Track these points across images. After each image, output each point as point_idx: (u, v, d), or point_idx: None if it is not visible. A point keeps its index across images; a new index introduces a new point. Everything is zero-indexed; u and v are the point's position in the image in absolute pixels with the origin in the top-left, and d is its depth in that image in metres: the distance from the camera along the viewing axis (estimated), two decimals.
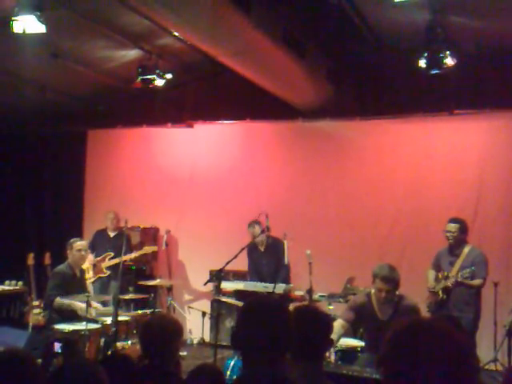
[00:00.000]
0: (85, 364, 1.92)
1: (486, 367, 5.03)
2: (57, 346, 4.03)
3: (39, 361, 3.82)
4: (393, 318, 3.61)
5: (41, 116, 7.20)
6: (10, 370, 1.82)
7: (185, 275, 6.78)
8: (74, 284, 4.78)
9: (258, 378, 1.74)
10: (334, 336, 3.53)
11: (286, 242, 5.38)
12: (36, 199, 7.34)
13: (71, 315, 4.61)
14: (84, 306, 4.44)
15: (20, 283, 5.82)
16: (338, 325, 3.71)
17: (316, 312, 2.46)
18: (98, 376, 1.81)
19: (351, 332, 4.38)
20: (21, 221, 7.26)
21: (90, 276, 5.99)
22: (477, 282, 4.65)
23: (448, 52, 4.63)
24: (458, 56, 4.68)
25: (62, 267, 4.84)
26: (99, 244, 6.40)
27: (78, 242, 4.89)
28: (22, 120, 7.23)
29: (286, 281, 5.42)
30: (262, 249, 5.70)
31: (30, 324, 5.13)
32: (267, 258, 5.66)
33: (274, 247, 5.55)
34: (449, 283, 4.65)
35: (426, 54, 4.66)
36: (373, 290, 3.68)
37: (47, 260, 5.97)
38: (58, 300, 4.61)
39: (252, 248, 5.60)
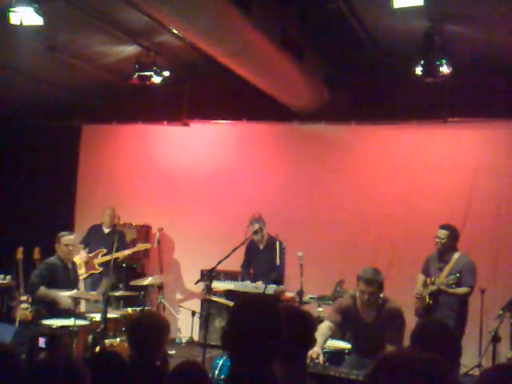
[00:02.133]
0: (66, 360, 1.91)
1: (470, 373, 5.09)
2: (41, 342, 3.98)
3: (23, 356, 3.79)
4: (376, 321, 3.67)
5: (36, 109, 7.15)
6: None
7: (176, 274, 6.76)
8: (64, 275, 4.75)
9: (246, 378, 1.73)
10: (321, 337, 3.58)
11: (278, 243, 5.41)
12: (27, 193, 7.28)
13: (58, 310, 4.58)
14: (68, 300, 4.41)
15: (8, 277, 5.77)
16: (325, 327, 3.75)
17: (299, 312, 2.48)
18: (79, 373, 1.80)
19: (339, 334, 4.41)
20: (11, 214, 7.19)
21: (82, 272, 5.96)
22: (462, 290, 4.70)
23: (444, 60, 4.67)
24: (453, 65, 4.72)
25: (51, 258, 4.82)
26: (93, 239, 6.37)
27: (66, 237, 4.84)
28: (16, 112, 7.17)
29: (278, 282, 5.42)
30: (262, 247, 5.68)
31: (17, 319, 5.08)
32: (265, 256, 5.64)
33: (272, 246, 5.54)
34: (434, 289, 4.70)
35: (422, 62, 4.69)
36: (357, 293, 3.72)
37: (36, 255, 5.91)
38: (43, 290, 4.56)
39: (251, 245, 5.59)
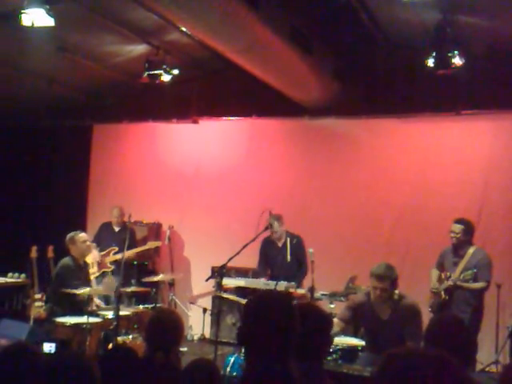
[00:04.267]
0: (78, 359, 1.91)
1: (487, 369, 5.01)
2: (46, 347, 3.95)
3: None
4: (392, 318, 3.60)
5: (47, 109, 7.22)
6: (20, 363, 1.84)
7: (187, 271, 6.78)
8: (80, 275, 4.79)
9: (262, 375, 1.72)
10: None
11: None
12: (40, 192, 7.36)
13: (73, 308, 4.61)
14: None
15: (23, 276, 5.84)
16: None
17: (317, 309, 2.45)
18: (90, 371, 1.81)
19: (352, 331, 4.37)
20: (25, 213, 7.28)
21: (94, 271, 5.99)
22: (479, 284, 4.63)
23: (456, 52, 4.60)
24: (466, 56, 4.64)
25: (66, 260, 4.85)
26: (104, 238, 6.40)
27: (80, 235, 4.89)
28: (28, 113, 7.24)
29: (299, 280, 5.32)
30: (280, 244, 5.55)
31: (32, 317, 5.14)
32: (283, 254, 5.56)
33: (298, 245, 5.43)
34: (450, 284, 4.64)
35: (434, 54, 4.63)
36: (371, 289, 3.67)
37: (50, 253, 5.97)
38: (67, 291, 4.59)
39: (269, 242, 5.51)
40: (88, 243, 4.88)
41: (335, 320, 3.76)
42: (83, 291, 4.53)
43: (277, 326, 1.74)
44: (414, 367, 1.17)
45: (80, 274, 4.80)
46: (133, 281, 5.62)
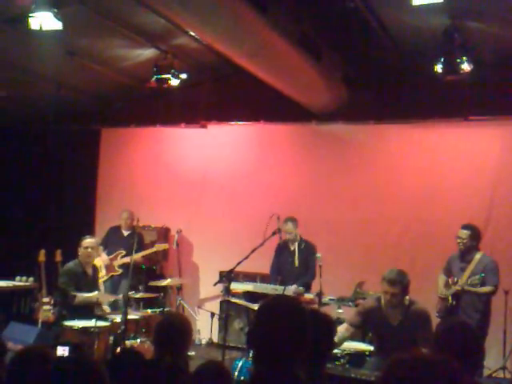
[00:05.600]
0: (87, 362, 1.91)
1: (495, 374, 4.99)
2: (60, 350, 3.97)
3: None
4: (403, 323, 3.60)
5: (55, 113, 7.26)
6: (34, 367, 1.85)
7: (195, 275, 6.78)
8: (84, 281, 4.80)
9: (270, 378, 1.72)
10: (336, 339, 3.53)
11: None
12: (48, 196, 7.40)
13: (83, 312, 4.62)
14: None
15: (31, 279, 5.87)
16: (342, 328, 3.72)
17: (319, 315, 2.45)
18: (100, 375, 1.81)
19: (360, 336, 4.36)
20: (33, 217, 7.31)
21: (102, 274, 6.01)
22: (486, 289, 4.63)
23: (465, 57, 4.60)
24: (474, 62, 4.64)
25: (71, 264, 4.87)
26: (112, 241, 6.41)
27: (87, 240, 4.91)
28: (36, 117, 7.29)
29: (306, 285, 5.30)
30: (292, 248, 5.53)
31: (40, 320, 5.16)
32: (294, 258, 5.48)
33: (306, 250, 5.42)
34: (457, 289, 4.63)
35: (442, 60, 4.63)
36: (382, 294, 3.66)
37: (58, 257, 6.00)
38: (80, 297, 4.61)
39: (282, 246, 5.48)
40: (90, 250, 4.87)
41: (345, 325, 3.76)
42: (79, 295, 4.56)
43: (287, 331, 1.75)
44: (418, 373, 1.17)
45: (82, 278, 4.81)
46: (140, 287, 5.63)
